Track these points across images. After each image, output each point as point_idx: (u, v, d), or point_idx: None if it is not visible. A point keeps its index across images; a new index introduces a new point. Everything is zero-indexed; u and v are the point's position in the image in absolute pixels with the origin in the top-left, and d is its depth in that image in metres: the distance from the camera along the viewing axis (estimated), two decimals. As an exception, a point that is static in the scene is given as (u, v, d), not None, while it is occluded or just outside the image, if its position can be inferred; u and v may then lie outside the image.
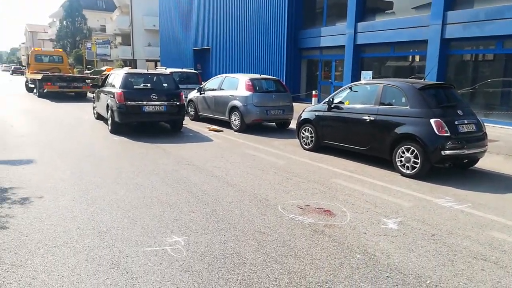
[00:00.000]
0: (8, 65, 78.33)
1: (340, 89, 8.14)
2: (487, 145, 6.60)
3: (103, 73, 22.52)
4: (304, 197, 5.18)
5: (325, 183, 5.88)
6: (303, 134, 8.49)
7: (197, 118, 12.61)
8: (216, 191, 5.28)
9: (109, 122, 9.77)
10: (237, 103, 10.60)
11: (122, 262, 3.25)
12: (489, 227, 4.29)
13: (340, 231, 4.06)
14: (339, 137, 7.66)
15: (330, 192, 5.41)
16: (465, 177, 6.42)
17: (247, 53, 20.05)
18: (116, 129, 9.58)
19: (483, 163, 6.98)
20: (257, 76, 11.42)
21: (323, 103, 8.13)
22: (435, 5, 11.89)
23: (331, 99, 7.84)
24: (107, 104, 9.79)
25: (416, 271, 3.27)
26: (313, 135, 8.21)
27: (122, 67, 29.97)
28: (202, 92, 12.16)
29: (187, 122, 11.85)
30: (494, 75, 11.31)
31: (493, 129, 9.56)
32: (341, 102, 7.69)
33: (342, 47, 15.41)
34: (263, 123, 11.27)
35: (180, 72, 15.42)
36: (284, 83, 13.10)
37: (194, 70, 18.56)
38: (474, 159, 6.67)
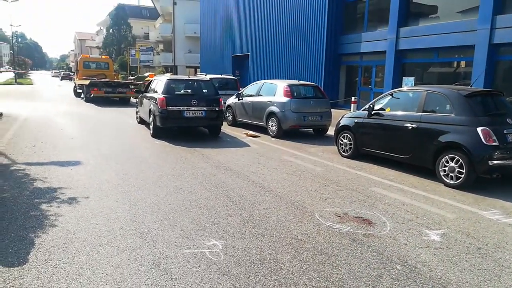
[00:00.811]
0: (58, 71, 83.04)
1: (381, 95, 7.97)
2: (540, 156, 6.21)
3: (146, 79, 23.35)
4: (342, 205, 5.11)
5: (364, 191, 5.77)
6: (342, 141, 8.37)
7: (235, 123, 12.77)
8: (253, 196, 5.32)
9: (151, 126, 10.11)
10: (274, 109, 10.64)
11: (162, 263, 3.35)
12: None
13: (379, 241, 3.97)
14: (379, 145, 7.50)
15: (369, 201, 5.30)
16: (515, 189, 6.08)
17: (286, 59, 20.09)
18: (157, 133, 9.89)
19: (535, 175, 6.57)
20: (295, 82, 11.41)
21: (363, 110, 7.99)
22: (483, 9, 11.39)
23: (371, 106, 7.69)
24: (150, 109, 10.15)
25: (460, 285, 3.14)
26: (352, 142, 8.08)
27: (164, 73, 30.94)
28: (240, 98, 12.32)
29: (225, 128, 12.03)
30: (548, 82, 10.64)
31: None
32: (381, 109, 7.53)
33: (383, 52, 15.08)
34: (301, 129, 11.24)
35: (220, 78, 15.70)
36: (322, 89, 13.00)
37: (233, 76, 18.84)
38: (525, 170, 6.29)
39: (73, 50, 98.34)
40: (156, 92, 10.20)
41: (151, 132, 10.12)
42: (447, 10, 13.30)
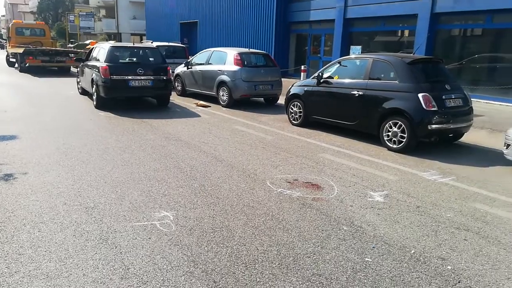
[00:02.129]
0: (-13, 38, 75.57)
1: (330, 63, 8.08)
2: (472, 120, 6.69)
3: (87, 47, 21.91)
4: (292, 171, 5.21)
5: (313, 157, 5.91)
6: (292, 109, 8.46)
7: (184, 93, 12.44)
8: (204, 166, 5.26)
9: (94, 97, 9.58)
10: (225, 78, 10.46)
11: (110, 237, 3.25)
12: (472, 199, 4.39)
13: (327, 204, 4.11)
14: (327, 112, 7.66)
15: (318, 167, 5.44)
16: (450, 151, 6.52)
17: (236, 27, 19.67)
18: (102, 104, 9.40)
19: (468, 137, 7.08)
20: (246, 50, 11.23)
21: (312, 78, 8.07)
22: (426, -22, 11.73)
23: (320, 74, 7.78)
24: (92, 79, 9.57)
25: (401, 241, 3.35)
26: (301, 110, 8.19)
27: (107, 41, 29.20)
28: (189, 67, 11.96)
29: (174, 98, 11.70)
30: (482, 51, 11.34)
31: (479, 104, 9.66)
32: (330, 77, 7.65)
33: (332, 21, 15.21)
34: (252, 98, 11.19)
35: (167, 46, 15.08)
36: (273, 57, 12.94)
37: (181, 44, 18.19)
38: (460, 133, 6.77)
39: (3, 16, 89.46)
40: (98, 60, 9.61)
41: (95, 103, 9.59)
42: (392, -21, 13.55)
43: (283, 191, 4.46)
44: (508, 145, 5.38)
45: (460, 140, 7.01)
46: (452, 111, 6.23)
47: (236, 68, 10.28)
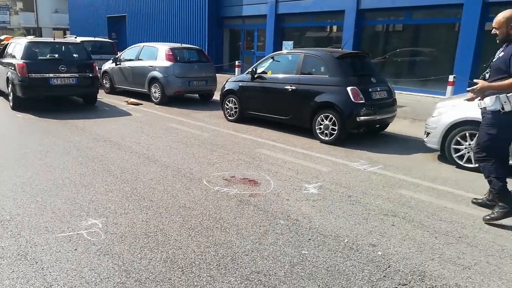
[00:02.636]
0: None
1: (263, 59, 8.13)
2: (396, 111, 7.12)
3: (2, 42, 19.93)
4: (229, 168, 5.15)
5: (250, 153, 5.91)
6: (227, 105, 8.40)
7: (113, 91, 11.82)
8: (136, 168, 5.02)
9: (10, 97, 8.73)
10: (157, 74, 10.10)
11: (29, 252, 2.95)
12: (398, 185, 4.67)
13: (264, 200, 4.12)
14: (262, 108, 7.71)
15: (255, 162, 5.45)
16: (377, 141, 6.89)
17: (167, 22, 19.10)
18: (19, 105, 8.60)
19: (392, 127, 7.54)
20: (178, 45, 10.93)
21: (246, 73, 8.07)
22: (350, -25, 12.27)
23: (254, 69, 7.81)
24: (7, 77, 8.71)
25: (335, 231, 3.45)
26: (237, 106, 8.16)
27: (25, 36, 26.81)
28: (118, 63, 11.37)
29: (102, 96, 11.07)
30: (403, 45, 12.15)
31: (401, 96, 10.34)
32: (264, 72, 7.70)
33: (264, 16, 15.36)
34: (186, 95, 10.95)
35: (93, 41, 14.21)
36: (206, 53, 12.76)
37: (109, 39, 17.25)
38: (385, 123, 7.17)
39: None
40: (14, 57, 8.76)
41: (11, 104, 8.74)
42: (320, -24, 14.00)
43: (220, 189, 4.39)
44: (428, 134, 5.79)
45: (385, 130, 7.44)
46: (378, 103, 6.58)
47: (168, 63, 9.97)
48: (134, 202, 3.96)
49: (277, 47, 14.72)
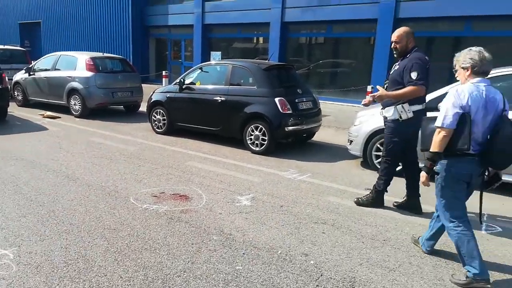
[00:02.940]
0: None
1: (191, 69, 8.01)
2: (321, 120, 7.43)
3: None
4: (159, 184, 4.95)
5: (180, 167, 5.74)
6: (155, 117, 8.11)
7: (26, 103, 10.84)
8: (54, 189, 4.60)
9: None
10: (76, 85, 9.46)
11: None
12: (326, 193, 4.84)
13: (196, 215, 4.01)
14: (192, 119, 7.57)
15: (185, 176, 5.30)
16: (305, 150, 7.12)
17: (88, 29, 18.08)
18: None
19: (318, 136, 7.85)
20: (100, 54, 10.36)
21: (174, 84, 7.89)
22: (274, -11, 12.67)
23: (182, 80, 7.65)
24: None
25: (269, 243, 3.45)
26: (165, 117, 7.92)
27: None
28: (31, 73, 10.45)
29: (14, 109, 10.08)
30: (325, 57, 12.80)
31: (325, 105, 10.84)
32: (192, 83, 7.58)
33: (191, 26, 15.23)
34: (110, 106, 10.39)
35: (2, 49, 12.94)
36: (131, 62, 12.29)
37: (21, 47, 15.84)
38: (312, 133, 7.45)
39: None
40: None
41: None
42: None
43: (148, 207, 4.18)
44: (351, 141, 6.11)
45: (312, 139, 7.72)
46: (305, 113, 6.81)
47: (89, 74, 9.39)
48: (51, 227, 3.60)
49: (205, 57, 14.66)
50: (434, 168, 2.89)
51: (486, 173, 2.95)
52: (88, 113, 9.56)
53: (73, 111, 9.69)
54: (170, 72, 15.92)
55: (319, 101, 7.58)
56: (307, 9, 12.23)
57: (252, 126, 6.68)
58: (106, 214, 3.96)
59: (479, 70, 2.79)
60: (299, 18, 12.54)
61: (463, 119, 2.72)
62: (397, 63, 4.13)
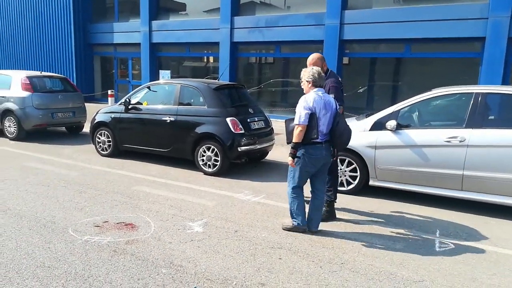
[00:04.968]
0: None
1: (138, 88, 7.67)
2: (274, 139, 7.38)
3: None
4: (102, 212, 4.56)
5: (126, 192, 5.37)
6: (99, 138, 7.64)
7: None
8: (-22, 222, 4.07)
9: None
10: (11, 105, 8.75)
11: None
12: (282, 214, 4.71)
13: (143, 246, 3.69)
14: (139, 140, 7.20)
15: (132, 202, 4.95)
16: (259, 170, 7.00)
17: (26, 46, 17.03)
18: None
19: (272, 155, 7.79)
20: (37, 73, 9.67)
21: (119, 104, 7.50)
22: (223, 9, 12.71)
23: (127, 100, 7.30)
24: None
25: (223, 273, 3.23)
26: (110, 139, 7.48)
27: None
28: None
29: None
30: (275, 76, 12.95)
31: (277, 124, 10.84)
32: (139, 103, 7.25)
33: (138, 44, 14.84)
34: (49, 128, 9.69)
35: None
36: (75, 81, 11.67)
37: None
38: (265, 152, 7.37)
39: None
40: None
41: None
42: (194, 8, 14.22)
43: (89, 239, 3.80)
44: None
45: (266, 158, 7.63)
46: (257, 133, 6.72)
47: (25, 94, 8.73)
48: (-28, 269, 3.13)
49: (154, 76, 14.30)
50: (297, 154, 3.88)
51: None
52: (25, 135, 8.85)
53: (7, 134, 8.93)
54: (117, 91, 15.35)
55: (271, 119, 7.54)
56: (255, 29, 12.37)
57: (203, 146, 6.46)
58: (40, 249, 3.54)
59: (317, 83, 3.95)
60: (248, 39, 12.63)
61: (312, 117, 3.80)
62: None
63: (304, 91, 4.03)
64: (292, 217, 4.16)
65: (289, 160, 3.95)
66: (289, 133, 3.98)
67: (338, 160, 5.55)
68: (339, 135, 3.93)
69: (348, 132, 4.01)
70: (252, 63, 13.95)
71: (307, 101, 3.85)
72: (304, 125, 3.79)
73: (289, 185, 4.13)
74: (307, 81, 3.99)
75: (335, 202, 4.66)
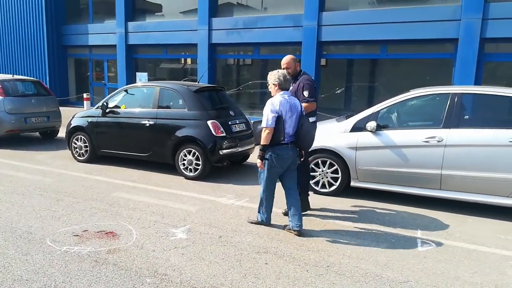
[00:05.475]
0: None
1: (115, 91, 7.50)
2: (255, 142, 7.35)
3: None
4: (81, 220, 4.42)
5: (106, 199, 5.23)
6: (76, 143, 7.43)
7: None
8: (-51, 236, 3.87)
9: None
10: (-19, 111, 8.38)
11: None
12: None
13: (126, 255, 3.60)
14: (118, 145, 7.04)
15: (112, 209, 4.82)
16: (241, 173, 6.97)
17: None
18: None
19: (253, 158, 7.74)
20: (9, 76, 9.34)
21: (96, 108, 7.31)
22: (201, 11, 12.59)
23: (104, 103, 7.13)
24: None
25: (209, 281, 3.18)
26: (87, 144, 7.28)
27: None
28: None
29: None
30: (254, 78, 12.93)
31: (258, 125, 10.86)
32: (117, 106, 7.09)
33: (114, 46, 14.53)
34: (22, 133, 9.36)
35: None
36: (47, 84, 11.31)
37: None
38: (247, 155, 7.33)
39: None
40: None
41: None
42: (170, 9, 14.05)
43: (69, 249, 3.67)
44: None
45: (247, 161, 7.60)
46: (238, 135, 6.68)
47: (-4, 98, 8.39)
48: None
49: (131, 78, 14.03)
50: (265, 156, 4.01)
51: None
52: (-4, 141, 8.51)
53: (-24, 140, 8.56)
54: (92, 94, 14.98)
55: (251, 121, 7.51)
56: (234, 31, 12.31)
57: (184, 150, 6.38)
58: (17, 261, 3.39)
59: (283, 86, 4.10)
60: (226, 40, 12.56)
61: (278, 120, 3.93)
62: (292, 83, 4.65)
63: (272, 94, 4.18)
64: (259, 212, 4.39)
65: (258, 162, 4.09)
66: (257, 135, 4.13)
67: (320, 161, 5.61)
68: (303, 136, 4.09)
69: (311, 133, 4.27)
70: (230, 64, 13.89)
71: (274, 104, 4.00)
72: (271, 127, 3.93)
73: (261, 186, 4.29)
74: (273, 84, 4.13)
75: (308, 195, 4.89)
